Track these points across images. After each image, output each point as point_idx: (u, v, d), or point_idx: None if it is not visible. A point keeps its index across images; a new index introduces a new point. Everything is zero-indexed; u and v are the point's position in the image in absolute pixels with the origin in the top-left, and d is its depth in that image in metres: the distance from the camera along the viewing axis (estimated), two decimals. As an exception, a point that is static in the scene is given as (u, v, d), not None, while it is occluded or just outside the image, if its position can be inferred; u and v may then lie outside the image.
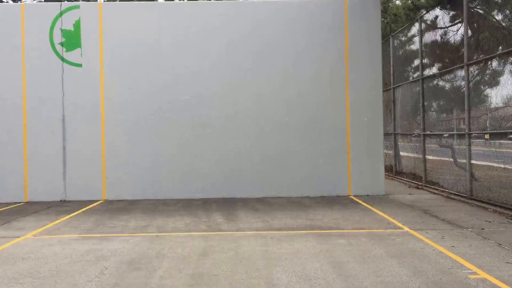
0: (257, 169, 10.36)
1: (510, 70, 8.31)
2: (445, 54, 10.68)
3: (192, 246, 5.97)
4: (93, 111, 10.35)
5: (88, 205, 9.53)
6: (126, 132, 10.35)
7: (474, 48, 9.20)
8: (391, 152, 14.42)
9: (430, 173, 11.39)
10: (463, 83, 9.52)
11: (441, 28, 11.10)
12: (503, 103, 8.78)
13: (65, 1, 12.63)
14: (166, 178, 10.33)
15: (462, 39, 9.54)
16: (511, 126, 8.63)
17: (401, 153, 13.99)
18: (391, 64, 14.19)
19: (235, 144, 10.38)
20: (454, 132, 10.52)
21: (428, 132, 11.51)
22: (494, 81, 8.91)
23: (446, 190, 10.28)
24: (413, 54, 13.04)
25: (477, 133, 9.30)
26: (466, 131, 9.04)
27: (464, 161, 9.33)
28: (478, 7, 9.59)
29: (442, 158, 10.95)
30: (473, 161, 9.11)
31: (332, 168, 10.35)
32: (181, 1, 16.25)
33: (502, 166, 8.31)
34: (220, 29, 10.42)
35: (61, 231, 7.04)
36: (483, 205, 8.54)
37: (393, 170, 14.09)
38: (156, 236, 6.63)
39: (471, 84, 9.14)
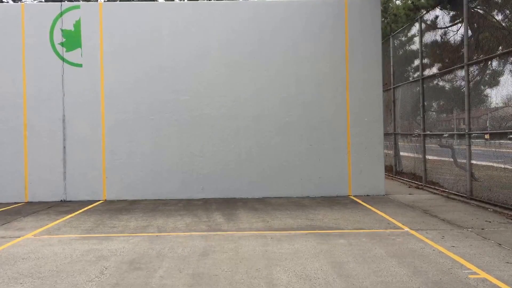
0: (257, 169, 10.37)
1: (510, 70, 8.30)
2: (445, 54, 10.68)
3: (193, 246, 5.97)
4: (93, 111, 10.35)
5: (88, 205, 9.53)
6: (126, 132, 10.36)
7: (474, 48, 9.20)
8: (391, 152, 14.42)
9: (430, 173, 11.40)
10: (463, 83, 9.53)
11: (441, 28, 11.10)
12: (503, 103, 8.78)
13: (66, 1, 12.63)
14: (166, 178, 10.34)
15: (462, 39, 9.55)
16: (511, 126, 8.63)
17: (401, 153, 13.99)
18: (391, 64, 14.20)
19: (236, 144, 10.39)
20: (454, 132, 10.52)
21: (428, 132, 11.51)
22: (494, 81, 8.91)
23: (446, 190, 10.28)
24: (413, 54, 13.04)
25: (477, 133, 9.30)
26: (466, 131, 9.04)
27: (464, 161, 9.34)
28: (478, 7, 9.58)
29: (442, 158, 10.95)
30: (473, 161, 9.11)
31: (332, 168, 10.36)
32: (182, 1, 16.25)
33: (502, 166, 8.30)
34: (220, 29, 10.42)
35: (61, 231, 7.04)
36: (483, 205, 8.55)
37: (393, 170, 14.09)
38: (157, 236, 6.63)
39: (471, 84, 9.14)
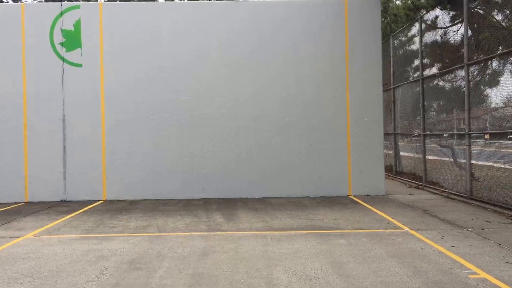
0: (257, 169, 10.37)
1: (510, 70, 8.30)
2: (445, 54, 10.68)
3: (193, 246, 5.97)
4: (93, 111, 10.35)
5: (88, 205, 9.53)
6: (126, 132, 10.36)
7: (474, 48, 9.20)
8: (391, 152, 14.42)
9: (430, 173, 11.40)
10: (463, 83, 9.53)
11: (441, 28, 11.10)
12: (503, 103, 8.78)
13: (66, 1, 12.63)
14: (166, 178, 10.34)
15: (462, 39, 9.55)
16: (511, 126, 8.63)
17: (401, 153, 13.99)
18: (391, 64, 14.20)
19: (236, 144, 10.39)
20: (454, 132, 10.52)
21: (428, 132, 11.51)
22: (494, 81, 8.90)
23: (446, 190, 10.28)
24: (413, 54, 13.04)
25: (477, 133, 9.30)
26: (466, 131, 9.04)
27: (464, 161, 9.34)
28: (478, 7, 9.59)
29: (442, 158, 10.95)
30: (473, 161, 9.11)
31: (332, 168, 10.36)
32: (182, 1, 16.25)
33: (502, 166, 8.30)
34: (220, 29, 10.42)
35: (61, 231, 7.04)
36: (483, 205, 8.55)
37: (393, 170, 14.09)
38: (156, 236, 6.63)
39: (471, 84, 9.14)
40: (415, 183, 11.92)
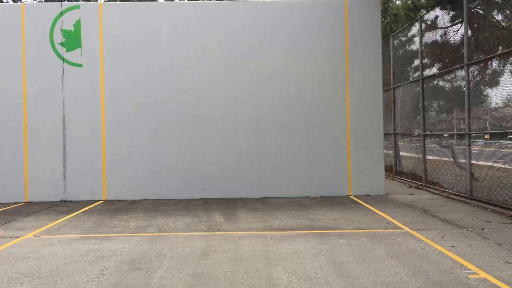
0: (257, 169, 10.37)
1: (510, 70, 8.30)
2: (445, 54, 10.68)
3: (193, 246, 5.97)
4: (93, 111, 10.35)
5: (88, 205, 9.53)
6: (126, 132, 10.35)
7: (474, 48, 9.20)
8: (391, 152, 14.42)
9: (430, 173, 11.40)
10: (463, 83, 9.53)
11: (441, 28, 11.10)
12: (503, 103, 8.78)
13: (65, 1, 12.63)
14: (166, 178, 10.33)
15: (462, 39, 9.55)
16: (511, 126, 8.62)
17: (401, 153, 14.00)
18: (391, 64, 14.19)
19: (236, 144, 10.39)
20: (454, 132, 10.52)
21: (428, 132, 11.51)
22: (494, 81, 8.91)
23: (446, 190, 10.28)
24: (413, 54, 13.04)
25: (477, 133, 9.30)
26: (466, 131, 9.04)
27: (464, 161, 9.34)
28: (478, 7, 9.58)
29: (442, 158, 10.95)
30: (473, 161, 9.11)
31: (332, 168, 10.35)
32: (182, 1, 16.25)
33: (502, 166, 8.30)
34: (220, 28, 10.42)
35: (61, 231, 7.04)
36: (483, 205, 8.55)
37: (393, 170, 14.09)
38: (156, 236, 6.63)
39: (471, 84, 9.14)
40: (415, 183, 11.92)
